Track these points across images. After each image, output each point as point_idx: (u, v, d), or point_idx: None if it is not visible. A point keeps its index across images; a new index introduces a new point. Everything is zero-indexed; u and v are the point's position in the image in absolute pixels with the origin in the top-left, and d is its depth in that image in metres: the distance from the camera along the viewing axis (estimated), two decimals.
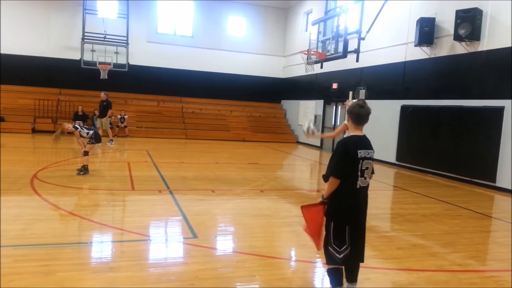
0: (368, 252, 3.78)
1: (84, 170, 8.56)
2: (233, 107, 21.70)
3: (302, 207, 3.51)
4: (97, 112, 16.26)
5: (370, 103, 13.31)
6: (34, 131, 17.26)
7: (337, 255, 3.28)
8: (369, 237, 4.98)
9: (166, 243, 4.94)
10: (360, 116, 3.35)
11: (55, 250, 4.31)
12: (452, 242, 5.37)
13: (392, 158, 13.09)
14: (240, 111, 21.68)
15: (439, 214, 7.04)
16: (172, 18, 21.12)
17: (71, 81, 19.13)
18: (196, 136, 18.99)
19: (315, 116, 18.44)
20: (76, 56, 18.65)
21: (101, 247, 4.74)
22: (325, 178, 3.30)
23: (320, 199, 3.41)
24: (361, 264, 3.49)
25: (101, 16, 19.08)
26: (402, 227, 6.03)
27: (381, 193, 8.76)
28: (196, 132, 19.29)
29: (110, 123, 15.96)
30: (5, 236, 4.61)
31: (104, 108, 14.67)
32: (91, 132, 8.72)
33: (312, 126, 6.13)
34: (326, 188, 3.32)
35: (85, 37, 18.56)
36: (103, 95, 14.70)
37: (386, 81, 13.69)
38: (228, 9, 21.55)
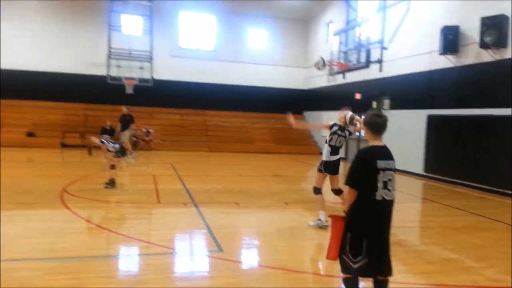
0: (397, 266, 3.68)
1: (111, 183, 8.72)
2: (256, 119, 21.79)
3: (330, 216, 3.50)
4: (119, 126, 16.56)
5: (395, 113, 13.10)
6: (63, 145, 17.75)
7: (352, 264, 3.21)
8: (398, 251, 4.88)
9: (192, 257, 4.95)
10: (377, 125, 3.28)
11: (84, 263, 4.39)
12: (486, 256, 5.17)
13: (419, 169, 12.80)
14: (263, 123, 21.74)
15: (471, 227, 6.81)
16: (195, 33, 21.53)
17: (98, 96, 19.64)
18: (220, 149, 19.11)
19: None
20: (102, 72, 19.18)
21: (129, 260, 4.79)
22: (336, 192, 3.26)
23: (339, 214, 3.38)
24: (390, 279, 3.40)
25: (126, 32, 19.63)
26: (432, 241, 5.85)
27: (409, 205, 8.56)
28: (219, 145, 19.43)
29: (135, 137, 16.25)
30: (35, 249, 4.72)
31: (126, 122, 14.92)
32: (117, 146, 8.88)
33: (321, 61, 6.10)
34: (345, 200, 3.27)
35: (111, 53, 19.10)
36: (124, 109, 14.99)
37: (410, 91, 13.47)
38: (249, 22, 21.86)
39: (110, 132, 18.02)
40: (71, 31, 19.63)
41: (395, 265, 3.48)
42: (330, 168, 6.16)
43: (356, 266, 3.20)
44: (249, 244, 5.60)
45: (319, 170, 6.26)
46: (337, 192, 6.25)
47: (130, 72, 19.17)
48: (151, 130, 18.57)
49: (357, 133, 6.54)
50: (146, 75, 19.46)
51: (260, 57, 21.99)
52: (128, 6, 18.90)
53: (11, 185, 8.62)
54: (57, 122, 18.54)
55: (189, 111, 21.20)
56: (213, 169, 13.48)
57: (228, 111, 21.65)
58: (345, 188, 3.29)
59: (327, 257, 3.46)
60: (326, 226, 5.85)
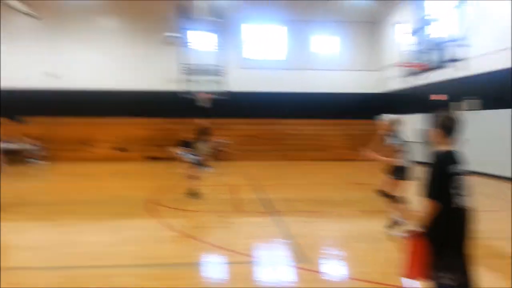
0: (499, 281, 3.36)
1: (192, 194, 9.11)
2: (329, 126, 21.47)
3: (408, 231, 3.13)
4: (196, 138, 17.24)
5: (478, 113, 12.02)
6: (147, 158, 18.97)
7: (452, 283, 2.94)
8: (502, 264, 4.46)
9: (275, 266, 4.98)
10: (452, 128, 3.03)
11: (174, 271, 4.63)
12: None
13: (507, 172, 11.59)
14: (337, 130, 21.33)
15: None
16: (266, 44, 21.97)
17: (176, 110, 20.73)
18: (296, 158, 19.08)
19: (419, 131, 17.32)
20: (178, 87, 20.22)
21: (216, 268, 4.96)
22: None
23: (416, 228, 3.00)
24: None
25: (199, 49, 20.63)
26: None
27: (501, 215, 7.80)
28: (295, 154, 19.42)
29: (212, 148, 16.74)
30: (132, 256, 5.09)
31: (204, 134, 15.38)
32: (195, 157, 9.27)
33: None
34: (421, 213, 2.89)
35: (187, 69, 20.13)
36: (202, 121, 15.43)
37: (493, 89, 12.35)
38: (318, 29, 21.82)
39: (188, 144, 18.91)
40: (152, 52, 21.07)
41: (497, 278, 3.19)
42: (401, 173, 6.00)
43: (457, 284, 2.96)
44: (333, 254, 5.49)
45: (393, 177, 6.09)
46: (386, 195, 6.11)
47: (204, 86, 19.99)
48: (227, 141, 19.14)
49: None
50: (220, 88, 20.17)
51: (331, 63, 21.82)
52: (198, 23, 19.82)
53: (107, 197, 9.40)
54: (143, 136, 19.88)
55: (263, 120, 21.52)
56: (290, 178, 13.50)
57: (302, 119, 21.60)
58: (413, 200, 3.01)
59: (408, 276, 3.09)
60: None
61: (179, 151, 9.48)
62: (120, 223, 6.97)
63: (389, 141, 6.00)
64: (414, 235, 3.03)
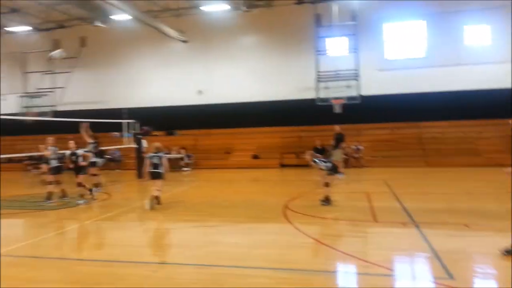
0: None
1: (326, 200, 9.01)
2: (482, 127, 18.98)
3: None
4: (333, 145, 17.02)
5: None
6: (281, 165, 19.55)
7: None
8: None
9: (415, 281, 4.57)
10: None
11: (310, 276, 4.61)
12: None
13: None
14: (492, 131, 18.68)
15: None
16: (402, 42, 20.65)
17: (309, 118, 20.94)
18: (439, 164, 17.40)
19: None
20: (312, 95, 20.33)
21: (349, 278, 4.79)
22: None
23: None
24: None
25: (332, 54, 20.37)
26: None
27: None
28: (438, 159, 17.73)
29: (345, 155, 16.37)
30: (267, 259, 5.24)
31: (338, 140, 15.15)
32: (328, 164, 9.14)
33: None
34: None
35: (319, 77, 20.12)
36: (337, 128, 15.25)
37: None
38: (464, 19, 19.54)
39: (321, 151, 18.87)
40: (285, 62, 21.76)
41: None
42: None
43: None
44: (486, 273, 4.79)
45: None
46: None
47: (337, 92, 19.70)
48: (361, 147, 18.51)
49: None
50: (353, 92, 19.60)
51: (482, 56, 19.27)
52: (334, 29, 19.61)
53: (244, 201, 9.95)
54: (276, 144, 20.58)
55: (400, 124, 20.21)
56: (433, 186, 12.33)
57: (446, 121, 19.61)
58: None
59: None
60: None
61: (313, 158, 9.46)
62: (257, 227, 7.27)
63: None
64: None
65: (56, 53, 17.09)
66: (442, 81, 19.66)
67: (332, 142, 15.79)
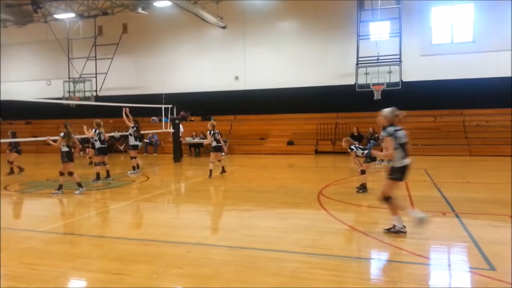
0: None
1: (363, 188, 8.86)
2: None
3: None
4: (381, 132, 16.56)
5: None
6: (316, 152, 19.36)
7: None
8: None
9: (454, 271, 4.41)
10: None
11: (343, 262, 4.56)
12: None
13: None
14: None
15: None
16: (448, 26, 19.69)
17: (347, 104, 20.55)
18: (483, 153, 16.65)
19: None
20: (351, 81, 19.86)
21: (383, 265, 4.70)
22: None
23: None
24: None
25: (374, 39, 19.73)
26: None
27: None
28: (482, 148, 16.96)
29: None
30: (300, 244, 5.23)
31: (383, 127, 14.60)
32: (366, 151, 8.95)
33: None
34: None
35: (359, 62, 19.58)
36: (380, 114, 14.61)
37: None
38: None
39: (358, 138, 18.53)
40: (324, 47, 21.35)
41: None
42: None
43: None
44: None
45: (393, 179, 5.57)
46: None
47: (378, 78, 19.12)
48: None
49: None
50: (394, 78, 18.97)
51: None
52: (376, 14, 18.96)
53: (278, 187, 9.95)
54: (312, 131, 20.37)
55: (443, 111, 19.44)
56: (476, 176, 11.83)
57: (492, 109, 18.67)
58: None
59: None
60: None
61: (350, 145, 9.29)
62: (291, 212, 7.26)
63: None
64: None
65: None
66: (489, 67, 18.67)
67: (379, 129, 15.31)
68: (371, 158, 8.98)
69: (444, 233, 5.78)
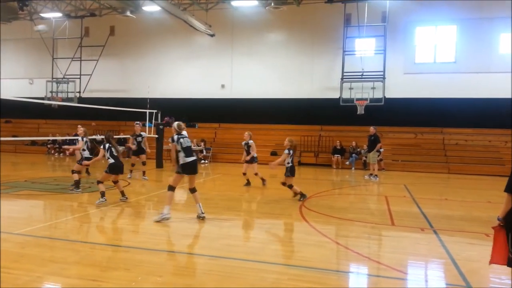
0: None
1: (300, 195, 8.92)
2: (508, 136, 18.46)
3: (493, 227, 3.68)
4: (365, 147, 16.70)
5: None
6: (299, 163, 19.46)
7: None
8: None
9: (429, 287, 4.48)
10: None
11: (323, 275, 4.58)
12: None
13: None
14: None
15: None
16: (432, 46, 20.21)
17: (330, 118, 20.80)
18: (461, 171, 17.05)
19: None
20: (335, 95, 20.13)
21: (360, 278, 4.74)
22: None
23: (498, 222, 3.59)
24: None
25: (359, 55, 20.09)
26: None
27: None
28: (460, 166, 17.36)
29: (380, 158, 15.96)
30: (280, 255, 5.24)
31: (372, 142, 14.61)
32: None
33: None
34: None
35: (344, 77, 19.89)
36: (372, 129, 14.64)
37: None
38: (500, 27, 18.92)
39: (341, 151, 18.74)
40: (310, 61, 21.62)
41: None
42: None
43: None
44: (503, 284, 4.66)
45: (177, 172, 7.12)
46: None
47: (362, 93, 19.43)
48: (381, 150, 18.23)
49: None
50: (377, 94, 19.32)
51: None
52: (362, 30, 19.33)
53: (261, 197, 9.96)
54: (296, 142, 20.42)
55: (424, 129, 19.86)
56: (454, 193, 12.09)
57: (471, 128, 19.18)
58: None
59: (491, 262, 3.68)
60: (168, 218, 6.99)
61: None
62: (272, 222, 7.27)
63: None
64: (499, 229, 3.60)
65: (41, 27, 17.21)
66: (470, 88, 19.19)
67: (366, 144, 15.41)
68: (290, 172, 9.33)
69: (422, 248, 5.88)
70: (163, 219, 6.96)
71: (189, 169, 7.15)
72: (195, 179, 7.40)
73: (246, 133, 11.83)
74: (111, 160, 8.71)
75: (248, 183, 11.75)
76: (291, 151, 9.52)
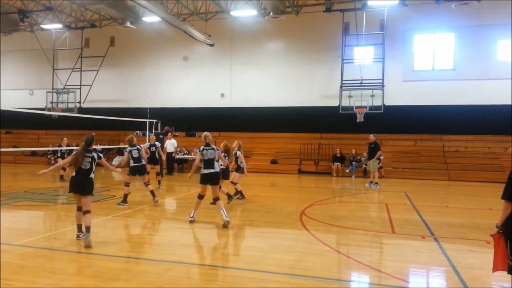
0: None
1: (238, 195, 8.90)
2: (508, 143, 18.44)
3: (492, 235, 3.79)
4: (365, 155, 16.70)
5: None
6: (300, 172, 19.46)
7: None
8: None
9: None
10: None
11: (324, 284, 4.57)
12: None
13: None
14: None
15: None
16: (430, 54, 20.33)
17: (330, 126, 20.84)
18: (461, 178, 17.02)
19: None
20: (335, 103, 20.17)
21: (364, 287, 4.73)
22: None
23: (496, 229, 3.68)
24: None
25: (358, 63, 20.19)
26: None
27: None
28: (461, 173, 17.34)
29: (380, 166, 15.94)
30: (282, 264, 5.22)
31: (372, 150, 14.60)
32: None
33: None
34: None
35: (343, 85, 19.96)
36: (371, 137, 14.65)
37: None
38: (497, 34, 19.03)
39: (341, 159, 18.74)
40: (309, 69, 21.71)
41: None
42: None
43: None
44: None
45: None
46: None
47: (361, 101, 19.48)
48: (381, 157, 18.23)
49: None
50: (377, 102, 19.36)
51: None
52: (360, 39, 19.44)
53: (261, 206, 9.94)
54: (296, 151, 20.49)
55: (424, 136, 19.87)
56: (454, 201, 12.07)
57: (471, 135, 19.19)
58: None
59: (494, 270, 3.74)
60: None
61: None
62: (273, 231, 7.25)
63: None
64: (498, 236, 3.66)
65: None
66: (469, 95, 19.24)
67: (366, 152, 15.37)
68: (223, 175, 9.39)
69: (423, 256, 5.86)
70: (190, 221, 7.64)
71: (206, 180, 7.60)
72: (216, 189, 7.77)
73: (235, 142, 10.86)
74: (132, 163, 9.72)
75: (241, 196, 10.87)
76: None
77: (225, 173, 9.76)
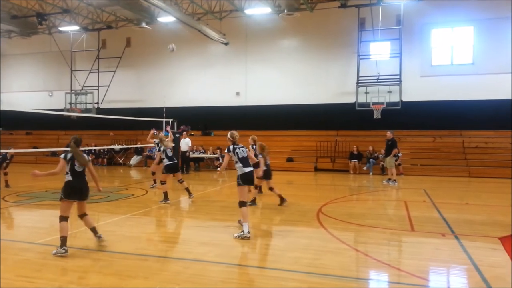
0: None
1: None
2: None
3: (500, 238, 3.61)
4: (383, 152, 16.50)
5: None
6: (316, 169, 19.35)
7: None
8: None
9: None
10: None
11: (342, 283, 4.53)
12: None
13: None
14: None
15: None
16: (448, 48, 19.94)
17: (346, 123, 20.66)
18: (482, 174, 16.67)
19: None
20: (351, 99, 19.99)
21: (383, 286, 4.67)
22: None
23: None
24: None
25: (374, 59, 19.94)
26: None
27: None
28: (481, 169, 16.97)
29: (399, 163, 15.69)
30: (299, 263, 5.19)
31: (389, 147, 14.40)
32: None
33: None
34: None
35: (359, 81, 19.75)
36: (389, 133, 14.44)
37: None
38: None
39: (358, 156, 18.55)
40: (325, 66, 21.55)
41: None
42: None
43: None
44: None
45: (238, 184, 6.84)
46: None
47: (378, 97, 19.26)
48: (399, 154, 18.00)
49: None
50: (394, 98, 19.12)
51: None
52: (376, 34, 19.20)
53: (277, 204, 9.90)
54: (312, 148, 20.38)
55: (443, 132, 19.52)
56: (475, 197, 11.82)
57: (491, 131, 18.77)
58: None
59: None
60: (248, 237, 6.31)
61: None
62: (290, 230, 7.23)
63: None
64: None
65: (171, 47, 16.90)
66: (489, 89, 18.82)
67: (383, 148, 15.22)
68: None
69: (444, 254, 5.75)
70: (243, 237, 6.37)
71: (246, 180, 6.95)
72: (251, 190, 7.64)
73: (250, 137, 10.98)
74: (166, 161, 9.93)
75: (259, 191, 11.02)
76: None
77: (267, 173, 9.43)
